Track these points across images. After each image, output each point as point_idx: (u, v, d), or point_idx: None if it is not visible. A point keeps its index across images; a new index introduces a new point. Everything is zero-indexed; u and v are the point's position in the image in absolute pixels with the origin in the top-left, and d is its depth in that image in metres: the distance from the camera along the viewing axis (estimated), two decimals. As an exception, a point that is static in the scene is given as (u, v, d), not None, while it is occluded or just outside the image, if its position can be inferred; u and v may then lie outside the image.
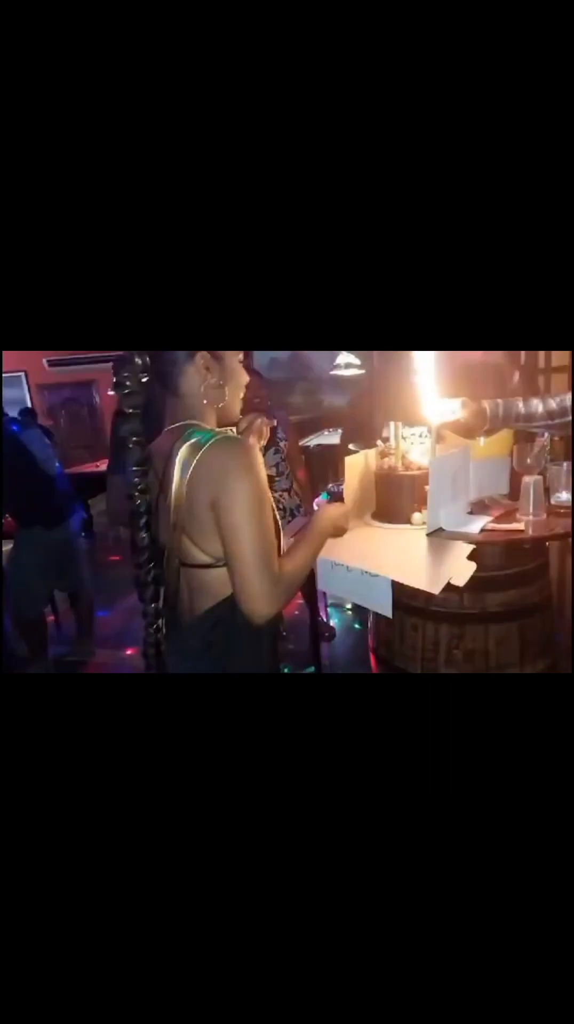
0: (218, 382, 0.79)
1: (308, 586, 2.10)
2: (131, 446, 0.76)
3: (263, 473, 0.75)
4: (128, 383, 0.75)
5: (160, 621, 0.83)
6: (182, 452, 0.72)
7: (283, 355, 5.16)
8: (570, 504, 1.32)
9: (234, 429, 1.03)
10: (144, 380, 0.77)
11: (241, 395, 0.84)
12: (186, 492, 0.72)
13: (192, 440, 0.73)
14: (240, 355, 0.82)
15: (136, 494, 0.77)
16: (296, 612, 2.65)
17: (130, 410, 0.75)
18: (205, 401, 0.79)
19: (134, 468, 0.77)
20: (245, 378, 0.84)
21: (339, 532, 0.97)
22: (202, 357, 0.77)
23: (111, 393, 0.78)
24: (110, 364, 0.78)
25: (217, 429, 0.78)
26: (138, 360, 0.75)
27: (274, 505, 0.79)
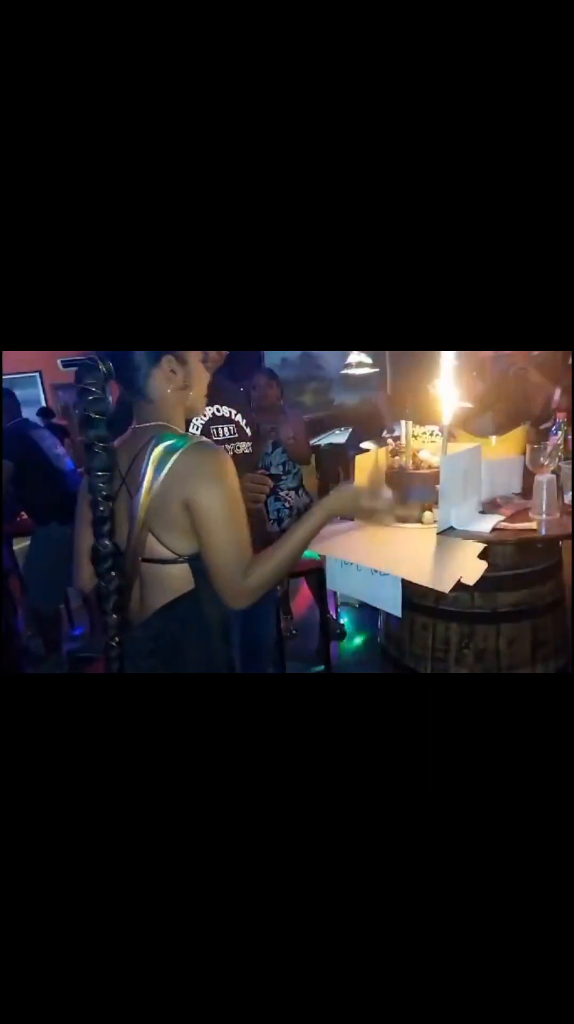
0: (184, 384, 0.81)
1: (318, 585, 2.11)
2: (97, 451, 0.77)
3: (235, 478, 0.77)
4: (94, 389, 0.77)
5: (124, 633, 0.82)
6: (156, 452, 0.75)
7: (294, 354, 5.16)
8: (582, 503, 1.31)
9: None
10: (107, 386, 0.78)
11: (204, 393, 0.87)
12: (158, 490, 0.75)
13: (166, 442, 0.76)
14: (200, 355, 0.84)
15: (100, 499, 0.78)
16: (306, 611, 2.65)
17: (96, 415, 0.77)
18: (174, 402, 0.81)
19: (99, 473, 0.77)
20: (206, 377, 0.86)
21: (350, 510, 0.87)
22: (168, 362, 0.79)
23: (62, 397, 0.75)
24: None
25: (190, 434, 0.81)
26: (102, 367, 0.78)
27: (262, 507, 0.80)
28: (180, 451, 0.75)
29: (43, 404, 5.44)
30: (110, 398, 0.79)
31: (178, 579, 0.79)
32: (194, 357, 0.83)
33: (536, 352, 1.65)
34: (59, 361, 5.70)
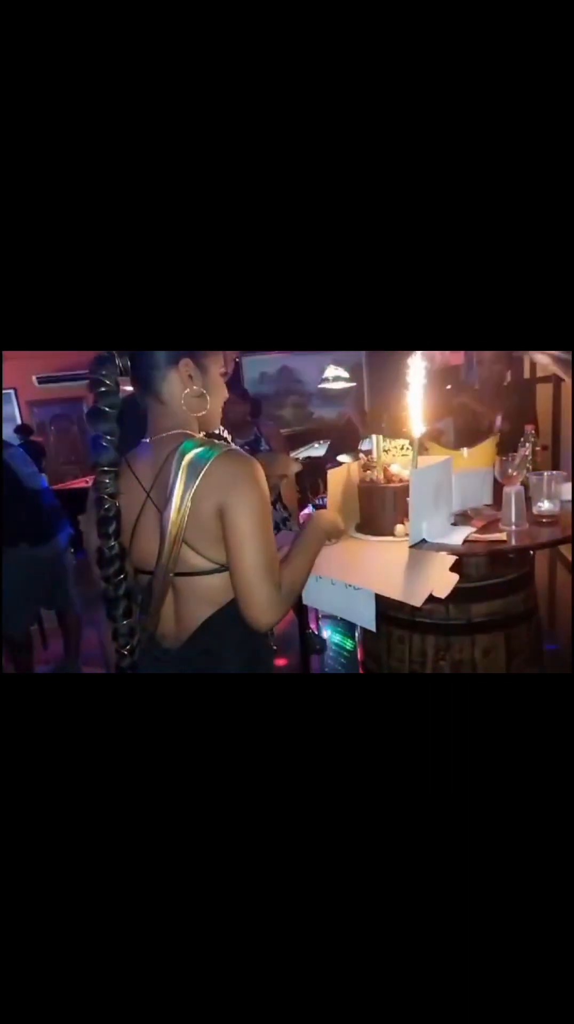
0: (200, 391, 0.78)
1: (298, 600, 2.09)
2: (105, 444, 0.73)
3: (267, 487, 0.76)
4: (107, 382, 0.74)
5: (135, 639, 0.79)
6: (185, 463, 0.72)
7: (273, 369, 5.21)
8: (551, 513, 1.33)
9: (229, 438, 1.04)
10: (120, 381, 0.76)
11: (220, 407, 0.84)
12: (192, 502, 0.72)
13: (194, 451, 0.73)
14: (222, 367, 0.82)
15: (106, 497, 0.74)
16: (287, 626, 2.63)
17: (107, 408, 0.73)
18: (185, 408, 0.78)
19: (105, 468, 0.73)
20: (226, 392, 0.84)
21: (334, 535, 1.00)
22: (186, 365, 0.76)
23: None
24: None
25: (216, 442, 0.78)
26: (118, 361, 0.75)
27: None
28: (212, 460, 0.72)
29: (18, 422, 5.36)
30: (119, 393, 0.75)
31: (218, 590, 0.77)
32: (214, 366, 0.80)
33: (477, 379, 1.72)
34: (34, 378, 5.64)
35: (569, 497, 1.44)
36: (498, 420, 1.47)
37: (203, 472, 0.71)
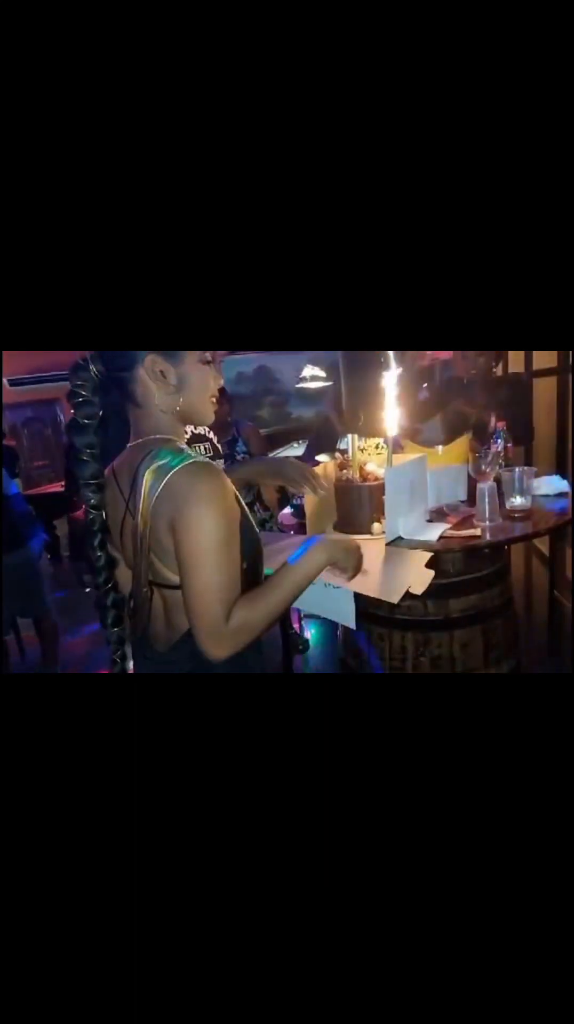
0: (174, 387, 0.73)
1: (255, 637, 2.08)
2: (85, 459, 0.73)
3: (233, 503, 0.71)
4: (83, 392, 0.72)
5: (125, 647, 0.78)
6: (147, 475, 0.69)
7: (250, 368, 5.19)
8: (523, 508, 1.36)
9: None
10: (98, 389, 0.74)
11: (210, 397, 0.77)
12: (151, 515, 0.69)
13: (159, 462, 0.69)
14: (207, 355, 0.76)
15: (90, 509, 0.74)
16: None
17: (85, 421, 0.72)
18: (163, 409, 0.74)
19: (88, 482, 0.73)
20: (211, 381, 0.77)
21: (349, 563, 0.86)
22: (152, 361, 0.71)
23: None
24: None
25: (187, 450, 0.74)
26: (93, 368, 0.72)
27: (255, 533, 0.76)
28: (174, 471, 0.68)
29: (-11, 425, 5.21)
30: (98, 403, 0.73)
31: None
32: (191, 356, 0.74)
33: (472, 367, 1.71)
34: (6, 380, 5.49)
35: (540, 492, 1.47)
36: (493, 421, 1.45)
37: (163, 483, 0.68)
